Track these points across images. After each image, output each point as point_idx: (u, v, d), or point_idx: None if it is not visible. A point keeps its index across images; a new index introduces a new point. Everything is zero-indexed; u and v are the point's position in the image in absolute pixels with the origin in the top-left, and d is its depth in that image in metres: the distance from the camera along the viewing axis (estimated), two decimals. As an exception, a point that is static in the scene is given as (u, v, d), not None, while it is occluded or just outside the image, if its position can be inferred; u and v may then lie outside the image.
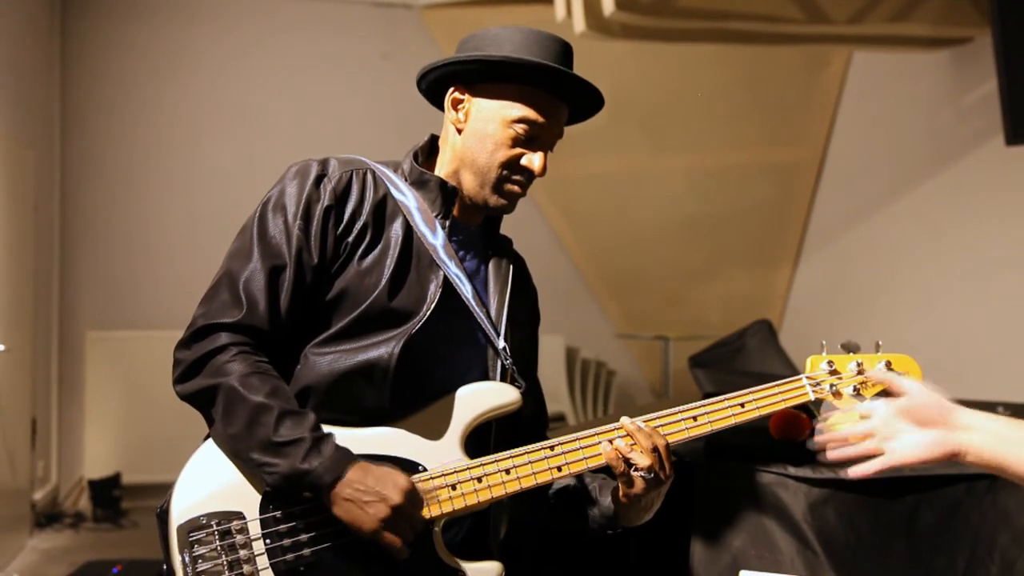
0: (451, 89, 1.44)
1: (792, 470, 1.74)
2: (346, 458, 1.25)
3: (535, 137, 1.40)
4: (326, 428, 1.30)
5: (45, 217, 4.88)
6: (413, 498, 1.26)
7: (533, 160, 1.40)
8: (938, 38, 4.75)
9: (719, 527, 1.73)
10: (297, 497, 1.27)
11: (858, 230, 5.46)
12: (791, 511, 1.70)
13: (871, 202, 5.38)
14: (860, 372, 1.48)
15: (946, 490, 1.76)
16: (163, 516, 1.28)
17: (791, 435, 1.92)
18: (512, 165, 1.40)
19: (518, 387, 1.40)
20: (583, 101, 1.45)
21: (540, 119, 1.39)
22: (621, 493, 1.39)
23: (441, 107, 1.47)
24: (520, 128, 1.39)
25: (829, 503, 1.71)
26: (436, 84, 1.46)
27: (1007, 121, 3.89)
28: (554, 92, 1.40)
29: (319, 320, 1.35)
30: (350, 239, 1.36)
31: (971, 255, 4.69)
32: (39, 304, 4.67)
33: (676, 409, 1.42)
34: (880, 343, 1.50)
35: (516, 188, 1.42)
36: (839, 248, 5.64)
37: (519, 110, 1.38)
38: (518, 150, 1.40)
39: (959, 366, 4.50)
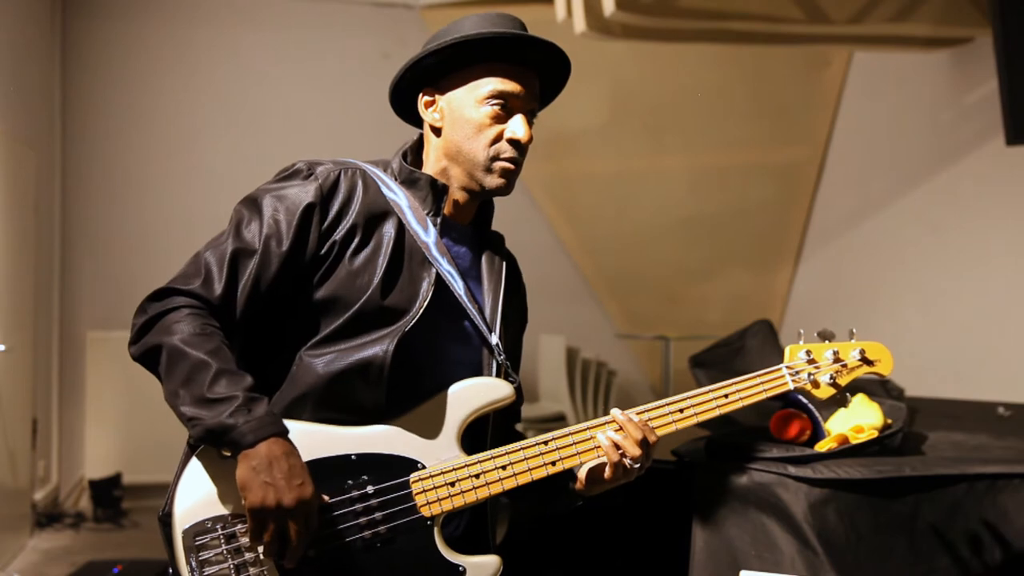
0: (420, 94, 1.45)
1: (792, 470, 1.74)
2: (273, 425, 1.23)
3: (511, 108, 1.40)
4: (325, 427, 1.31)
5: (46, 217, 4.88)
6: (303, 512, 1.21)
7: (516, 129, 1.40)
8: (938, 38, 4.75)
9: (719, 527, 1.73)
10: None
11: (859, 230, 5.47)
12: (791, 511, 1.70)
13: (872, 202, 5.38)
14: (836, 360, 1.51)
15: (947, 490, 1.76)
16: (166, 519, 1.27)
17: (791, 435, 1.92)
18: (497, 141, 1.40)
19: (511, 382, 1.41)
20: (549, 66, 1.45)
21: (510, 88, 1.39)
22: (606, 474, 1.40)
23: (421, 125, 1.49)
24: (494, 103, 1.39)
25: (830, 503, 1.71)
26: (408, 98, 1.48)
27: (1008, 121, 3.89)
28: (517, 61, 1.41)
29: (312, 322, 1.35)
30: (338, 237, 1.36)
31: (972, 255, 4.69)
32: (40, 304, 4.67)
33: (663, 401, 1.45)
34: (854, 331, 1.54)
35: (508, 165, 1.41)
36: (840, 248, 5.64)
37: (487, 85, 1.39)
38: (499, 126, 1.40)
39: (960, 366, 4.50)
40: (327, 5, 5.56)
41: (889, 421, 1.99)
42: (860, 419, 1.92)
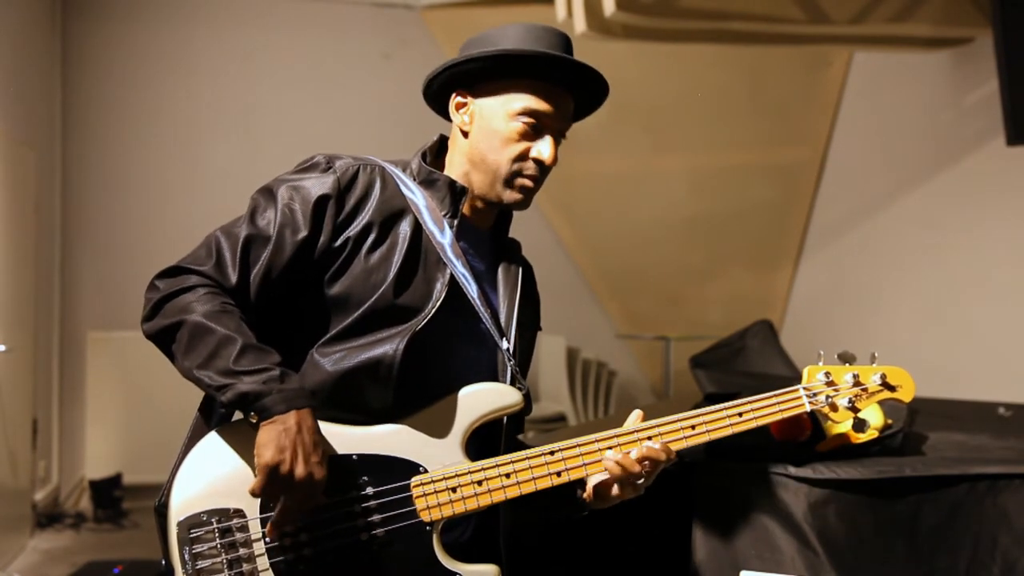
0: (453, 94, 1.44)
1: (793, 470, 1.74)
2: (306, 398, 1.24)
3: (541, 127, 1.40)
4: (329, 425, 1.30)
5: (46, 217, 4.88)
6: (307, 491, 1.21)
7: (542, 150, 1.40)
8: (939, 38, 4.75)
9: (720, 527, 1.73)
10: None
11: (859, 230, 5.47)
12: (792, 511, 1.70)
13: (872, 202, 5.38)
14: (856, 384, 1.49)
15: (948, 490, 1.76)
16: (162, 510, 1.27)
17: (792, 435, 1.92)
18: (522, 158, 1.40)
19: (520, 389, 1.40)
20: (586, 88, 1.45)
21: (543, 107, 1.39)
22: (613, 492, 1.40)
23: (450, 117, 1.48)
24: (525, 120, 1.38)
25: (830, 503, 1.71)
26: (440, 93, 1.47)
27: (1008, 121, 3.89)
28: (555, 81, 1.40)
29: (323, 319, 1.35)
30: (352, 233, 1.35)
31: (972, 256, 4.69)
32: (40, 304, 4.67)
33: (675, 417, 1.43)
34: (876, 354, 1.51)
35: (528, 182, 1.41)
36: (840, 248, 5.64)
37: (521, 101, 1.38)
38: (526, 143, 1.40)
39: (960, 366, 4.50)
40: (327, 5, 5.56)
41: (890, 421, 1.99)
42: (861, 419, 1.92)
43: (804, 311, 5.87)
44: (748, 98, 5.71)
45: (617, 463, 1.36)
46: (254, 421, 1.23)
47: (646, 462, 1.37)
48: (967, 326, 4.66)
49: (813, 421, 1.94)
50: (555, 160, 1.40)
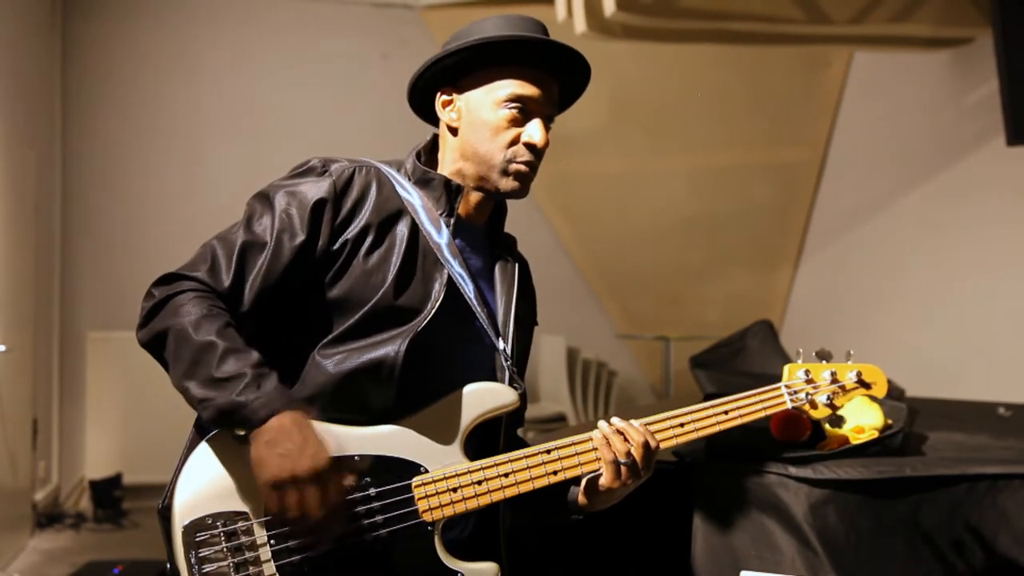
0: (438, 94, 1.45)
1: (793, 470, 1.74)
2: (282, 398, 1.22)
3: (529, 112, 1.40)
4: (331, 426, 1.30)
5: (46, 217, 4.88)
6: (317, 480, 1.19)
7: (532, 134, 1.40)
8: (939, 38, 4.76)
9: (719, 527, 1.73)
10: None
11: (859, 231, 5.47)
12: (792, 511, 1.70)
13: (872, 203, 5.38)
14: (834, 381, 1.54)
15: (947, 490, 1.76)
16: (165, 513, 1.26)
17: (792, 435, 1.92)
18: (514, 144, 1.40)
19: (516, 388, 1.40)
20: (569, 72, 1.45)
21: (529, 92, 1.39)
22: (602, 481, 1.40)
23: (436, 120, 1.49)
24: (513, 106, 1.39)
25: (830, 503, 1.71)
26: (426, 96, 1.47)
27: (1008, 122, 3.90)
28: (537, 66, 1.41)
29: (324, 322, 1.35)
30: (350, 235, 1.35)
31: (972, 256, 4.70)
32: (40, 304, 4.67)
33: (665, 415, 1.45)
34: (851, 352, 1.57)
35: (523, 167, 1.41)
36: (840, 248, 5.64)
37: (507, 88, 1.39)
38: (516, 130, 1.40)
39: (960, 366, 4.51)
40: (327, 5, 5.56)
41: (890, 421, 1.99)
42: (861, 419, 1.92)
43: (804, 311, 5.87)
44: (748, 98, 5.71)
45: (606, 437, 1.38)
46: (241, 434, 1.23)
47: (628, 443, 1.38)
48: (967, 326, 4.66)
49: (813, 421, 1.94)
50: (547, 143, 1.41)
